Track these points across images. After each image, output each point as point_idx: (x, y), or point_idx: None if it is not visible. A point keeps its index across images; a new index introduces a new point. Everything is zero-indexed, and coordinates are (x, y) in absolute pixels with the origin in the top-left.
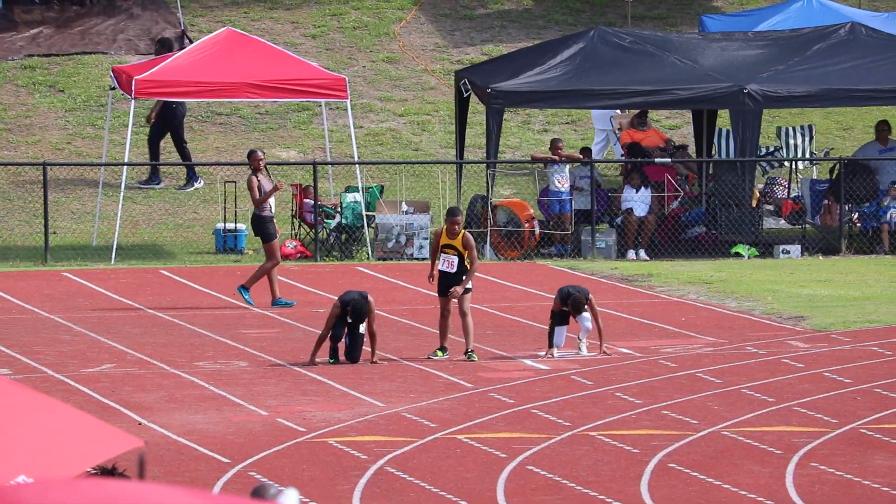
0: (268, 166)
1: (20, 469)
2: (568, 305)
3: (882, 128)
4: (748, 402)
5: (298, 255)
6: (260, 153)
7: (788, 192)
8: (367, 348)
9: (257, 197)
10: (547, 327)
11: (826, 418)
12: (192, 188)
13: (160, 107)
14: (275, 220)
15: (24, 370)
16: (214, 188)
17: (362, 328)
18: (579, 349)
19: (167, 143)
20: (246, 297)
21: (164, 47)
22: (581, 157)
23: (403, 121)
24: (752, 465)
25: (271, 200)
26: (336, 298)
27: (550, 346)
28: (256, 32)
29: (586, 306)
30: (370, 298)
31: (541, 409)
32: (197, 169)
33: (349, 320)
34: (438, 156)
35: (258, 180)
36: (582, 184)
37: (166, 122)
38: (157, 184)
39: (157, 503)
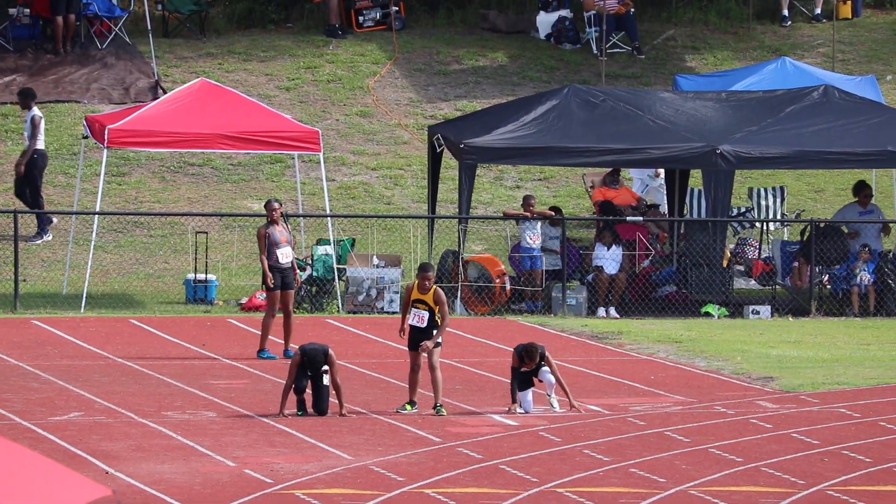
0: (284, 216)
1: None
2: (523, 358)
3: (865, 192)
4: (716, 462)
5: None
6: (276, 203)
7: (759, 253)
8: (334, 400)
9: (262, 248)
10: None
11: (793, 479)
12: (41, 240)
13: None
14: (285, 271)
15: None
16: (185, 238)
17: (326, 380)
18: (551, 405)
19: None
20: (265, 356)
21: (26, 97)
22: (552, 213)
23: (376, 174)
24: None
25: (282, 251)
26: (297, 348)
27: (514, 401)
28: (231, 84)
29: (544, 361)
30: (330, 351)
31: (509, 464)
32: (169, 219)
33: (308, 372)
34: (410, 210)
35: (266, 232)
36: (551, 245)
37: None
38: (45, 235)
39: None
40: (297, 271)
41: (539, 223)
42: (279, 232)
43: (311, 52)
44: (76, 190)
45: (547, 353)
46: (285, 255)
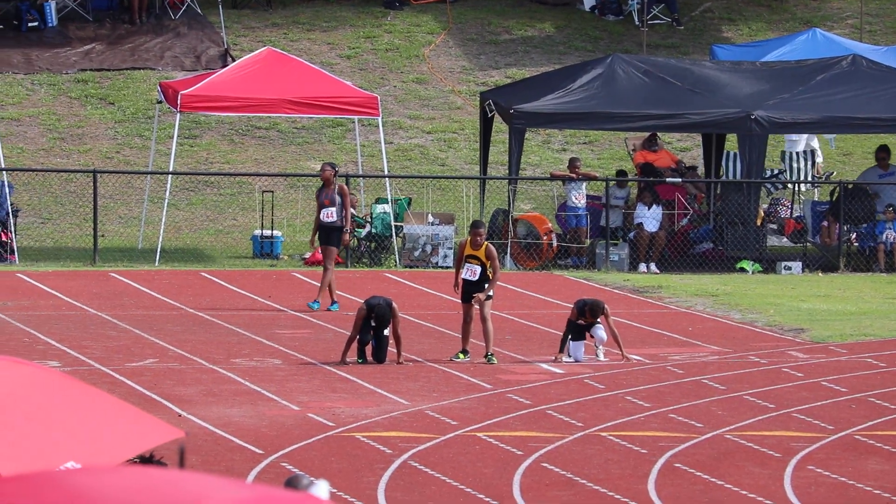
0: (337, 176)
1: (69, 455)
2: (585, 314)
3: (882, 154)
4: (750, 408)
5: None
6: (327, 167)
7: (791, 213)
8: (393, 350)
9: (317, 207)
10: (561, 333)
11: (823, 424)
12: None
13: None
14: (326, 229)
15: (72, 363)
16: (253, 197)
17: (387, 331)
18: (597, 356)
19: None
20: (331, 308)
21: None
22: (597, 175)
23: (431, 138)
24: (752, 467)
25: (324, 211)
26: (362, 302)
27: (561, 350)
28: (295, 52)
29: (602, 315)
30: (394, 304)
31: (555, 410)
32: (238, 178)
33: (373, 323)
34: (463, 171)
35: (317, 194)
36: (616, 203)
37: None
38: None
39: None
40: (348, 232)
41: (584, 183)
42: (324, 194)
43: (370, 23)
44: (151, 151)
45: (607, 308)
46: (326, 215)
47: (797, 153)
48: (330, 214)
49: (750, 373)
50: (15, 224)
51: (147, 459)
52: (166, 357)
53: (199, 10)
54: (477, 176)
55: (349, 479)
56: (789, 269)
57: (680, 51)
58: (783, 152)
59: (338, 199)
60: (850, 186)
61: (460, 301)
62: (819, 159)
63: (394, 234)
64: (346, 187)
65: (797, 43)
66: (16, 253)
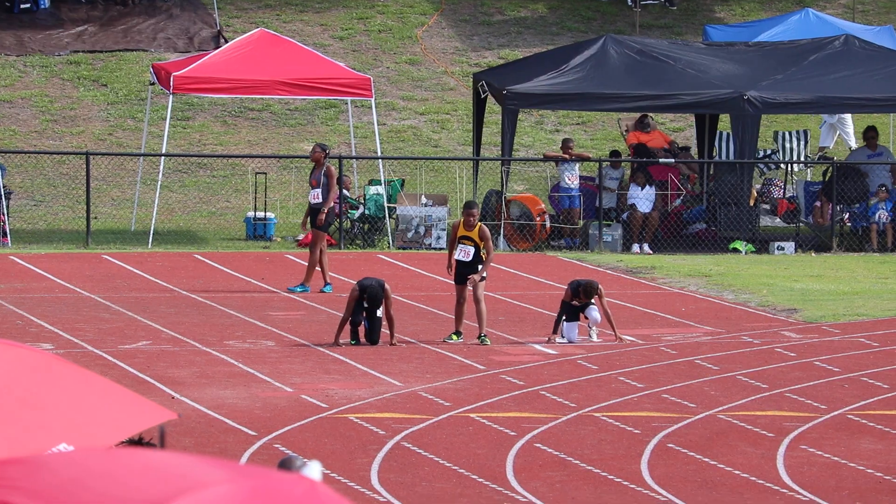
0: (328, 158)
1: (61, 437)
2: (579, 294)
3: (870, 134)
4: (743, 388)
5: None
6: (318, 148)
7: (784, 193)
8: (386, 331)
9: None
10: (555, 315)
11: (815, 404)
12: None
13: None
14: (312, 211)
15: (65, 345)
16: (246, 178)
17: (380, 312)
18: (590, 337)
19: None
20: (325, 289)
21: None
22: (590, 156)
23: (424, 119)
24: (745, 447)
25: (311, 192)
26: (355, 283)
27: (555, 332)
28: (288, 34)
29: (595, 296)
30: (386, 286)
31: (548, 390)
32: (231, 160)
33: (366, 305)
34: (456, 152)
35: (311, 175)
36: (610, 184)
37: None
38: None
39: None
40: (323, 212)
41: (577, 164)
42: (313, 175)
43: (363, 4)
44: (144, 133)
45: (601, 289)
46: (313, 197)
47: (789, 133)
48: (316, 196)
49: (743, 353)
50: (8, 206)
51: (134, 442)
52: (159, 339)
53: None
54: (470, 157)
55: (342, 460)
56: (782, 249)
57: (673, 31)
58: (776, 132)
59: (324, 180)
60: (843, 166)
61: (453, 282)
62: (852, 142)
63: (387, 215)
64: (332, 168)
65: (790, 23)
66: (8, 235)
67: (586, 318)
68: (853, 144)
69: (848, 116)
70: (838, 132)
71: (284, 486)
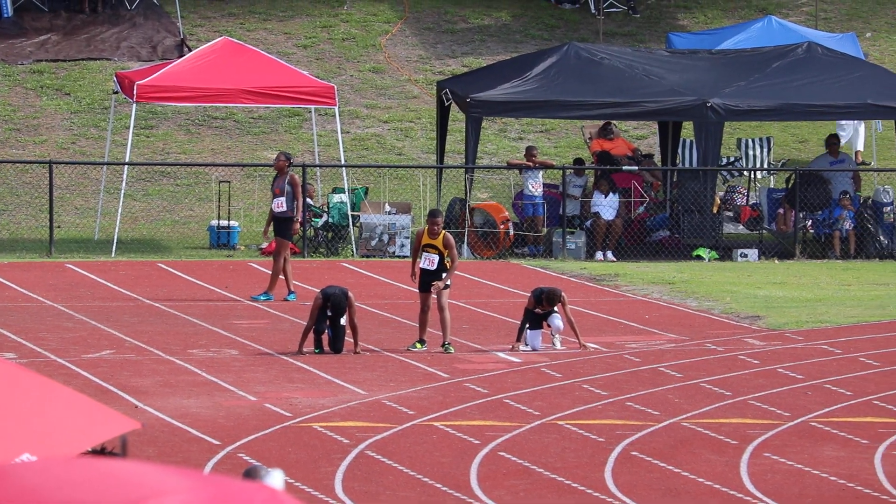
0: (291, 167)
1: (25, 447)
2: (542, 301)
3: (832, 141)
4: (706, 396)
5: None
6: (281, 156)
7: (747, 200)
8: (349, 339)
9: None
10: (519, 322)
11: (779, 411)
12: None
13: None
14: (294, 219)
15: (28, 355)
16: (209, 187)
17: (343, 321)
18: (553, 344)
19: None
20: (288, 298)
21: None
22: (554, 164)
23: (388, 127)
24: (709, 455)
25: (275, 201)
26: (318, 291)
27: (518, 340)
28: (251, 42)
29: (558, 304)
30: (350, 294)
31: (512, 399)
32: (194, 169)
33: (329, 313)
34: (420, 160)
35: (273, 184)
36: (574, 192)
37: None
38: None
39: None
40: (297, 221)
41: (541, 172)
42: (276, 183)
43: (326, 12)
44: (107, 142)
45: (564, 296)
46: (276, 205)
47: (752, 140)
48: (280, 204)
49: (706, 360)
50: None
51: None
52: (123, 348)
53: (156, 1)
54: (434, 165)
55: (306, 469)
56: (745, 256)
57: (636, 39)
58: (739, 139)
59: (288, 188)
60: (805, 174)
61: (417, 290)
62: (860, 147)
63: (350, 223)
64: (296, 177)
65: (753, 30)
66: None
67: (549, 325)
68: (860, 148)
69: (860, 124)
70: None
71: (245, 495)
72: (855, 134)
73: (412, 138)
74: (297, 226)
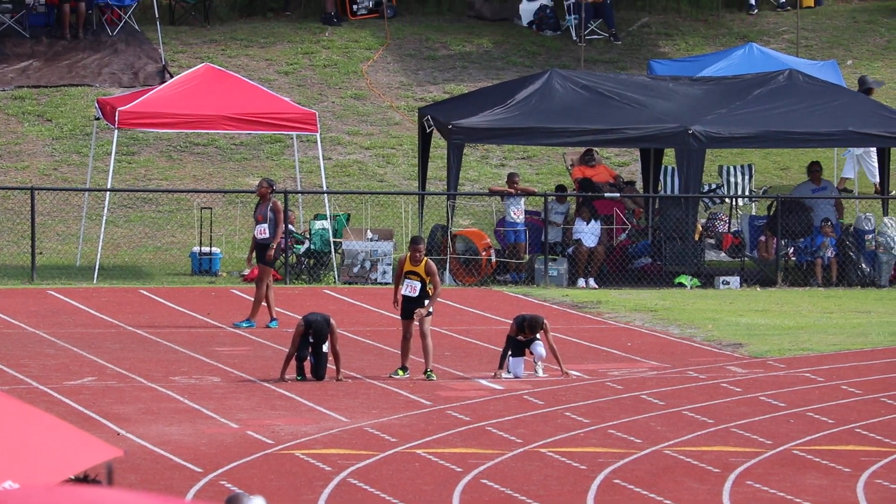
0: (273, 194)
1: (7, 475)
2: (524, 329)
3: (814, 168)
4: (689, 423)
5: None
6: (264, 183)
7: (729, 227)
8: (332, 366)
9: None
10: (501, 350)
11: (761, 439)
12: None
13: None
14: (270, 246)
15: (10, 382)
16: (191, 214)
17: (325, 347)
18: (535, 372)
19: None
20: (270, 325)
21: None
22: (536, 191)
23: (370, 153)
24: (691, 483)
25: (257, 227)
26: (300, 318)
27: (501, 367)
28: (233, 68)
29: (541, 331)
30: (332, 320)
31: (495, 426)
32: (176, 195)
33: (311, 340)
34: (402, 187)
35: (255, 211)
36: (556, 219)
37: None
38: None
39: None
40: (272, 248)
41: (523, 199)
42: (258, 210)
43: (308, 39)
44: (89, 168)
45: (546, 324)
46: (259, 232)
47: (734, 167)
48: (263, 231)
49: (688, 388)
50: None
51: (80, 479)
52: (105, 375)
53: (137, 27)
54: (416, 191)
55: (289, 496)
56: (727, 283)
57: (617, 66)
58: (721, 166)
59: (270, 215)
60: (787, 201)
61: (400, 317)
62: (851, 175)
63: (332, 250)
64: (279, 204)
65: (734, 58)
66: None
67: (531, 353)
68: (876, 179)
69: (872, 150)
70: (861, 165)
71: None
72: (852, 161)
73: (394, 165)
74: (272, 252)
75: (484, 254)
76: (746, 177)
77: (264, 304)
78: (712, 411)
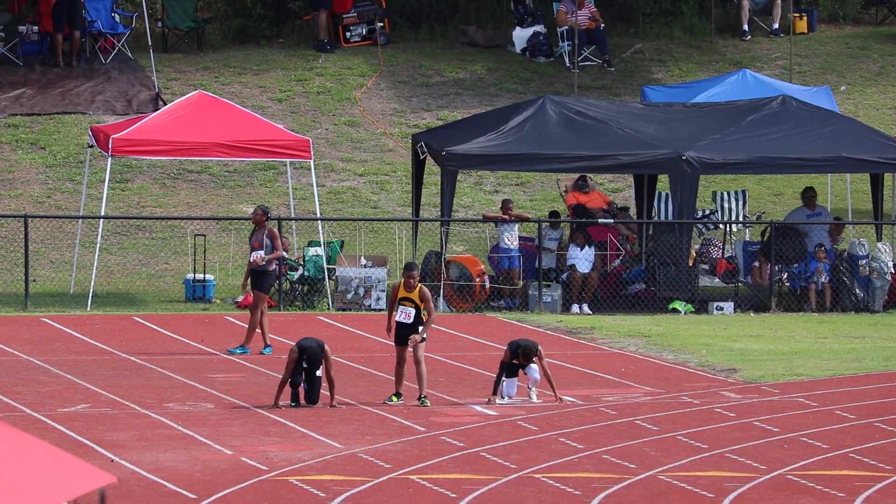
0: (268, 221)
1: (1, 501)
2: (518, 356)
3: (809, 194)
4: (683, 448)
5: None
6: (259, 210)
7: (723, 253)
8: (326, 392)
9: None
10: (495, 375)
11: (755, 464)
12: None
13: None
14: (268, 273)
15: (3, 409)
16: (185, 241)
17: (319, 373)
18: (530, 397)
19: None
20: (264, 351)
21: None
22: (530, 217)
23: (363, 180)
24: None
25: (254, 254)
26: (294, 344)
27: (494, 392)
28: (226, 96)
29: (535, 357)
30: (326, 346)
31: (489, 451)
32: (170, 222)
33: (305, 365)
34: (396, 213)
35: (251, 238)
36: (550, 245)
37: None
38: None
39: None
40: (263, 259)
41: (516, 225)
42: (254, 237)
43: (301, 66)
44: (82, 196)
45: (540, 350)
46: (254, 258)
47: (728, 193)
48: (260, 258)
49: (683, 413)
50: None
51: None
52: (98, 402)
53: (130, 55)
54: (409, 218)
55: None
56: (721, 309)
57: (611, 92)
58: (714, 192)
59: (267, 242)
60: (781, 227)
61: (394, 343)
62: None
63: (326, 276)
64: (275, 230)
65: (727, 84)
66: None
67: (526, 375)
68: None
69: None
70: None
71: None
72: None
73: (388, 191)
74: (259, 259)
75: (478, 280)
76: (740, 202)
77: (258, 330)
78: (706, 436)
